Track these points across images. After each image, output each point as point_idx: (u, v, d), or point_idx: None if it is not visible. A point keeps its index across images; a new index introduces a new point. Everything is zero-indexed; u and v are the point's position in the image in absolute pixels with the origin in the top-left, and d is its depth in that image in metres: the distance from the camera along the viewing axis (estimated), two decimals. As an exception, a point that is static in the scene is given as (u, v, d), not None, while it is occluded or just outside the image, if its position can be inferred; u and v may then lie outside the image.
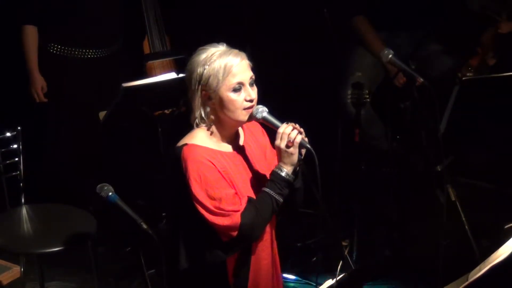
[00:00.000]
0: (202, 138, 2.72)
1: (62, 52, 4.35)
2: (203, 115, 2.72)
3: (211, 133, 2.74)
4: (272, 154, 2.89)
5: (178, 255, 2.73)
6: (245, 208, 2.68)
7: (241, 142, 2.84)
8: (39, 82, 4.36)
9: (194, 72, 2.69)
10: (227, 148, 2.78)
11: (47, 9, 4.27)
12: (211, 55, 2.67)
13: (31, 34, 4.30)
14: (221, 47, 2.71)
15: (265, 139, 2.93)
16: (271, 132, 2.82)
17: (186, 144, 2.69)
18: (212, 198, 2.64)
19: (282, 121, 2.70)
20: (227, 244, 2.69)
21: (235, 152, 2.80)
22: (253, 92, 2.70)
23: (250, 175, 2.81)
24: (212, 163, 2.66)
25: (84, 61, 4.38)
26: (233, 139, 2.81)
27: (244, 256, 2.79)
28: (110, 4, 4.39)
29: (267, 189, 2.71)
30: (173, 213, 2.74)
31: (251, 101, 2.69)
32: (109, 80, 4.36)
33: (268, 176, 2.79)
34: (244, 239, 2.71)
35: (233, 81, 2.67)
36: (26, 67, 4.34)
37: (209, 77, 2.66)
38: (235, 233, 2.66)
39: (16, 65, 4.48)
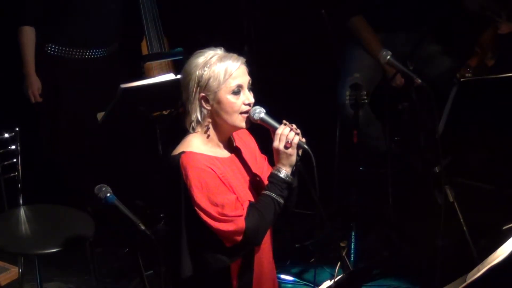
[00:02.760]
0: (197, 145, 2.72)
1: (59, 53, 4.34)
2: (199, 118, 2.71)
3: (207, 137, 2.74)
4: (261, 157, 2.91)
5: (180, 263, 2.72)
6: (248, 213, 2.67)
7: (234, 147, 2.84)
8: (35, 84, 4.35)
9: (192, 74, 2.68)
10: (223, 153, 2.78)
11: (45, 9, 4.26)
12: (210, 58, 2.68)
13: (28, 35, 4.29)
14: (219, 51, 2.71)
15: (253, 143, 2.94)
16: (259, 136, 2.83)
17: (183, 152, 2.68)
18: (215, 205, 2.64)
19: (279, 122, 2.71)
20: (231, 249, 2.69)
21: (230, 157, 2.80)
22: (251, 97, 2.71)
23: (247, 178, 2.81)
24: (212, 169, 2.66)
25: (82, 61, 4.38)
26: (227, 145, 2.81)
27: (248, 259, 2.79)
28: (108, 4, 4.39)
29: (268, 192, 2.71)
30: (173, 221, 2.73)
31: (249, 105, 2.70)
32: (108, 80, 4.36)
33: (263, 178, 2.79)
34: (249, 243, 2.71)
35: (233, 83, 2.67)
36: (23, 68, 4.33)
37: (209, 79, 2.66)
38: (239, 238, 2.66)
39: (13, 66, 4.47)
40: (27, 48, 4.30)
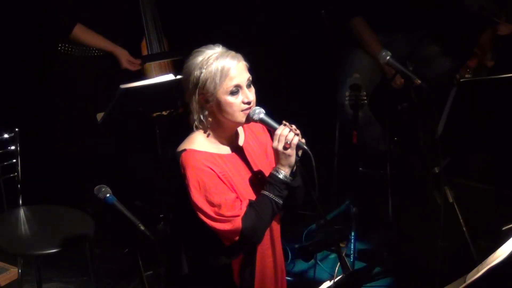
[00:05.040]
0: (200, 142, 2.72)
1: (71, 51, 4.35)
2: (201, 118, 2.71)
3: (210, 136, 2.74)
4: (272, 151, 2.88)
5: (180, 260, 2.73)
6: (246, 213, 2.67)
7: (241, 143, 2.84)
8: (124, 55, 4.44)
9: (191, 75, 2.67)
10: (227, 150, 2.78)
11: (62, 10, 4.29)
12: (208, 58, 2.66)
13: (83, 29, 4.33)
14: (217, 49, 2.69)
15: (266, 136, 2.91)
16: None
17: (185, 150, 2.68)
18: (212, 205, 2.64)
19: (279, 122, 2.70)
20: (230, 248, 2.70)
21: (234, 153, 2.79)
22: (250, 94, 2.69)
23: (251, 175, 2.80)
24: (211, 169, 2.66)
25: (86, 59, 4.38)
26: (232, 140, 2.80)
27: (249, 255, 2.79)
28: (110, 2, 4.40)
29: (266, 192, 2.71)
30: (174, 218, 2.74)
31: (248, 103, 2.69)
32: (108, 80, 4.37)
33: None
34: (246, 243, 2.71)
35: (230, 84, 2.65)
36: (108, 51, 4.41)
37: (206, 80, 2.65)
38: (237, 238, 2.66)
39: (12, 66, 4.47)
40: (92, 37, 4.36)
